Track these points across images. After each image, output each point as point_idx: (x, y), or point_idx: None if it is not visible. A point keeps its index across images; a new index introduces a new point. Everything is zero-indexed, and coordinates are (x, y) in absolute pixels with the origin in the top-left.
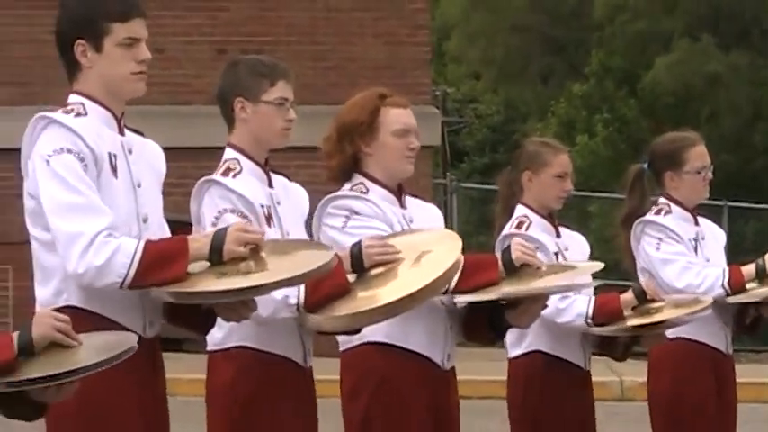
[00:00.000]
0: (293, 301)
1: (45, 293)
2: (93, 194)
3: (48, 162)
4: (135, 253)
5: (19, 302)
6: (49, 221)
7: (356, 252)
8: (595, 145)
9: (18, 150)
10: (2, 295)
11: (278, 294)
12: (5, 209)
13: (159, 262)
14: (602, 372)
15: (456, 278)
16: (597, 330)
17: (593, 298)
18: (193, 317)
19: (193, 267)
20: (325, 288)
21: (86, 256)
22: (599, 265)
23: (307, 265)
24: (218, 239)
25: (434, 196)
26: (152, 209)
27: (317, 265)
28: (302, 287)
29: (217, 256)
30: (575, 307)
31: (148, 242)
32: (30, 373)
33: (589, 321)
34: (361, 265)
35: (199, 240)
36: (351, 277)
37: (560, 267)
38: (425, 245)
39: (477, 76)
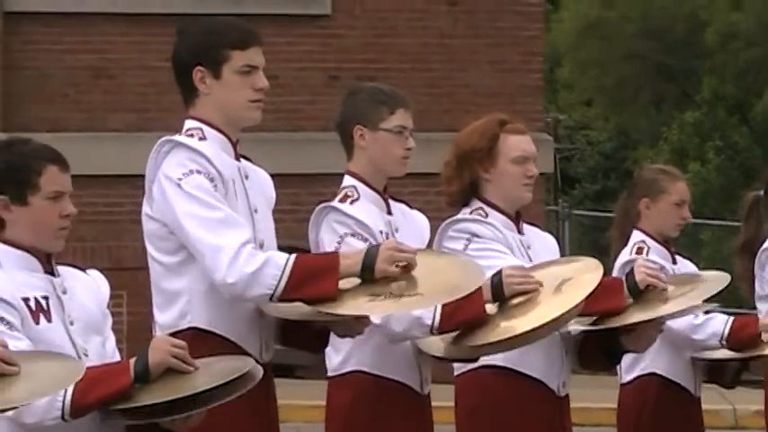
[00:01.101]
0: (428, 321)
1: (167, 317)
2: (229, 209)
3: (179, 185)
4: (286, 265)
5: (133, 328)
6: (191, 238)
7: (497, 281)
8: (707, 172)
9: (133, 177)
10: (116, 321)
11: (414, 311)
12: (120, 235)
13: (310, 276)
14: (715, 400)
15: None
16: (708, 354)
17: (730, 319)
18: (306, 336)
19: (345, 284)
20: (462, 315)
21: (236, 264)
22: (726, 277)
23: (458, 290)
24: (371, 257)
25: (546, 223)
26: (267, 234)
27: (467, 291)
28: (438, 309)
29: (368, 275)
30: (711, 325)
31: (300, 256)
32: (143, 399)
33: (723, 342)
34: (501, 294)
35: (350, 257)
36: (490, 307)
37: (686, 279)
38: (567, 274)
39: (589, 103)
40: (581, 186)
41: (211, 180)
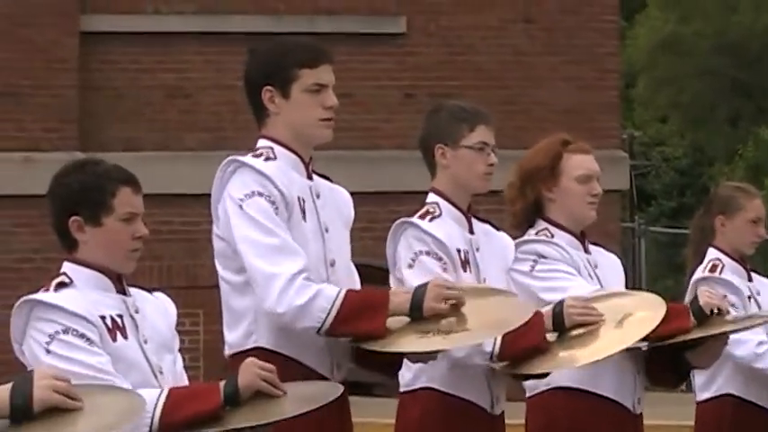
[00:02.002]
0: (488, 349)
1: (234, 336)
2: (287, 235)
3: (240, 206)
4: (335, 300)
5: (210, 346)
6: (246, 263)
7: (558, 311)
8: None
9: (208, 195)
10: (193, 339)
11: None
12: (196, 253)
13: (358, 312)
14: None
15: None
16: None
17: None
18: (380, 359)
19: (392, 321)
20: (523, 343)
21: (287, 295)
22: None
23: (506, 324)
24: (419, 296)
25: (622, 240)
26: (339, 253)
27: (515, 325)
28: (499, 337)
29: (417, 313)
30: None
31: (350, 291)
32: (232, 422)
33: None
34: (562, 324)
35: (399, 295)
36: (551, 336)
37: (753, 319)
38: (629, 308)
39: (664, 119)
40: (657, 203)
41: (273, 203)
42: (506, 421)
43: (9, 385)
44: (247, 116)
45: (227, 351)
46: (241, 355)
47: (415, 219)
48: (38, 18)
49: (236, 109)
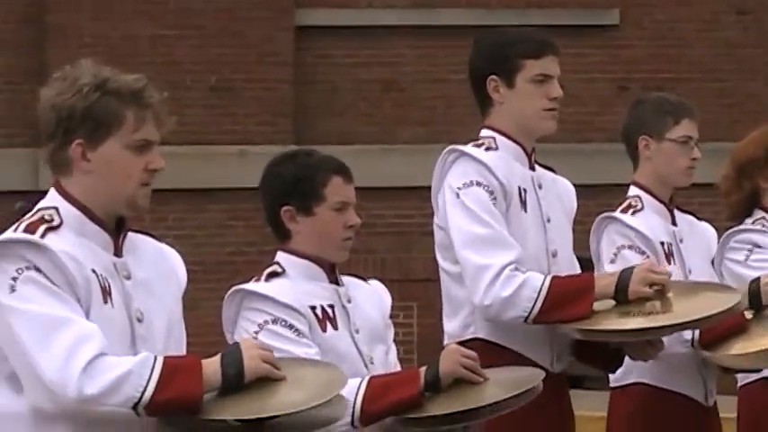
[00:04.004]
0: (688, 336)
1: (453, 326)
2: (502, 227)
3: (457, 195)
4: (541, 288)
5: (423, 339)
6: (457, 253)
7: (754, 289)
8: None
9: (421, 188)
10: (407, 332)
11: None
12: (409, 246)
13: (565, 298)
14: None
15: None
16: None
17: None
18: (601, 355)
19: (599, 306)
20: (721, 325)
21: (493, 288)
22: None
23: (711, 307)
24: (624, 279)
25: None
26: (561, 244)
27: (721, 308)
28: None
29: (622, 296)
30: None
31: (555, 278)
32: (433, 409)
33: None
34: (758, 302)
35: (605, 278)
36: (748, 314)
37: None
38: None
39: None
40: None
41: (491, 193)
42: (720, 415)
43: (216, 358)
44: (461, 110)
45: (446, 341)
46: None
47: (617, 213)
48: (253, 13)
49: (449, 103)
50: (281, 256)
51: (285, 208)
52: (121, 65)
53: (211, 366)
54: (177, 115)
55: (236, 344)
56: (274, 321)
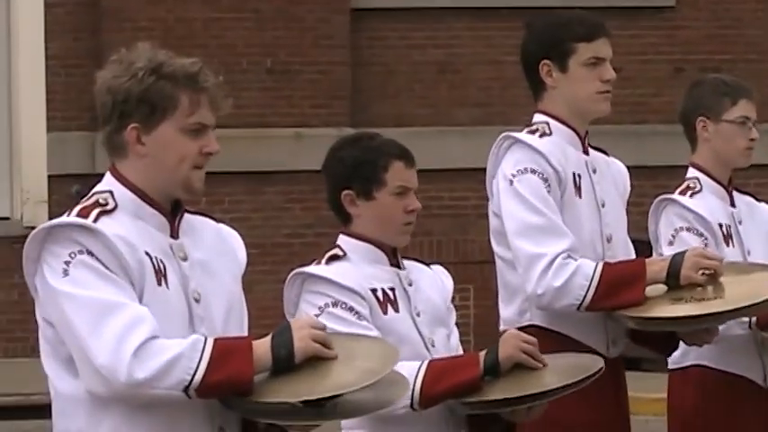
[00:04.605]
0: (745, 318)
1: (509, 312)
2: (555, 215)
3: (511, 182)
4: (593, 275)
5: (480, 322)
6: (510, 241)
7: None
8: None
9: (477, 170)
10: (463, 314)
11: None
12: (466, 229)
13: (617, 285)
14: None
15: None
16: None
17: None
18: (656, 338)
19: (650, 291)
20: None
21: (546, 276)
22: None
23: (765, 292)
24: (676, 264)
25: None
26: (616, 228)
27: None
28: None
29: (674, 281)
30: None
31: (606, 264)
32: (492, 393)
33: None
34: None
35: (656, 264)
36: None
37: None
38: None
39: None
40: None
41: (545, 180)
42: None
43: (266, 339)
44: (516, 91)
45: (502, 327)
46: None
47: (675, 195)
48: None
49: (505, 84)
50: (342, 240)
51: (346, 192)
52: (176, 48)
53: (262, 347)
54: (233, 98)
55: (287, 324)
56: (335, 304)
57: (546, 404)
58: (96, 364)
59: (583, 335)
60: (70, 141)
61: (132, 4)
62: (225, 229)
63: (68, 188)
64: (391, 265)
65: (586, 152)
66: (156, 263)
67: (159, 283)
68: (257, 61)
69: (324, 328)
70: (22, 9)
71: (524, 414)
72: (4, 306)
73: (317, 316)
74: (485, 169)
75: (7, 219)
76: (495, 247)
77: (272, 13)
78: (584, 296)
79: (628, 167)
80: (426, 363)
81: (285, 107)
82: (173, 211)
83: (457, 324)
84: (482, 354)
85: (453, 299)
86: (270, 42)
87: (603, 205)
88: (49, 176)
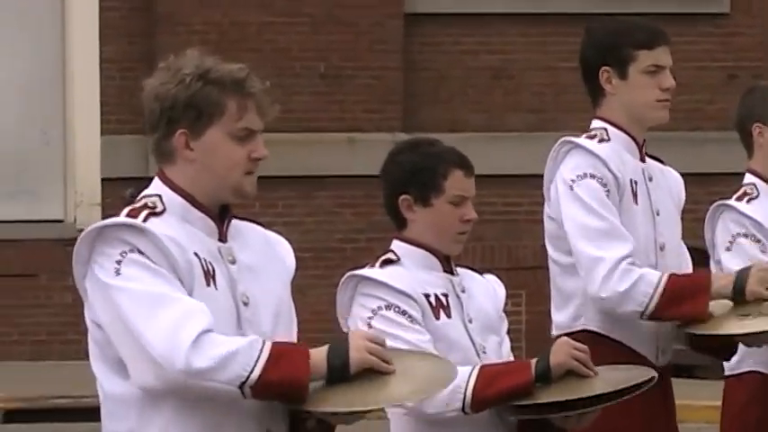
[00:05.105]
0: None
1: (562, 317)
2: (616, 219)
3: (571, 187)
4: (658, 284)
5: (532, 327)
6: (572, 245)
7: None
8: None
9: (530, 176)
10: (515, 320)
11: None
12: (518, 235)
13: (681, 296)
14: None
15: None
16: None
17: None
18: (716, 343)
19: (716, 307)
20: None
21: (610, 281)
22: None
23: None
24: (741, 279)
25: None
26: (669, 237)
27: None
28: None
29: (740, 296)
30: None
31: (672, 275)
32: (544, 398)
33: None
34: None
35: (722, 278)
36: None
37: None
38: None
39: None
40: None
41: (605, 185)
42: None
43: (324, 348)
44: (571, 97)
45: (555, 332)
46: (568, 337)
47: (732, 201)
48: (362, 0)
49: (559, 90)
50: (396, 245)
51: (403, 197)
52: (230, 52)
53: (318, 355)
54: (286, 103)
55: (346, 335)
56: (388, 307)
57: (598, 412)
58: (153, 352)
59: (634, 342)
60: (124, 145)
61: (186, 8)
62: (272, 235)
63: (121, 191)
64: (444, 271)
65: (643, 160)
66: (204, 264)
67: (208, 284)
68: (310, 66)
69: (383, 342)
70: (76, 13)
71: (575, 421)
72: (57, 309)
73: (369, 319)
74: (538, 175)
75: (60, 222)
76: (551, 252)
77: (325, 18)
78: (648, 303)
79: (682, 174)
80: (478, 367)
81: (338, 112)
82: (220, 216)
83: (508, 330)
84: (534, 360)
85: (505, 305)
86: (323, 47)
87: (658, 213)
88: (103, 180)
